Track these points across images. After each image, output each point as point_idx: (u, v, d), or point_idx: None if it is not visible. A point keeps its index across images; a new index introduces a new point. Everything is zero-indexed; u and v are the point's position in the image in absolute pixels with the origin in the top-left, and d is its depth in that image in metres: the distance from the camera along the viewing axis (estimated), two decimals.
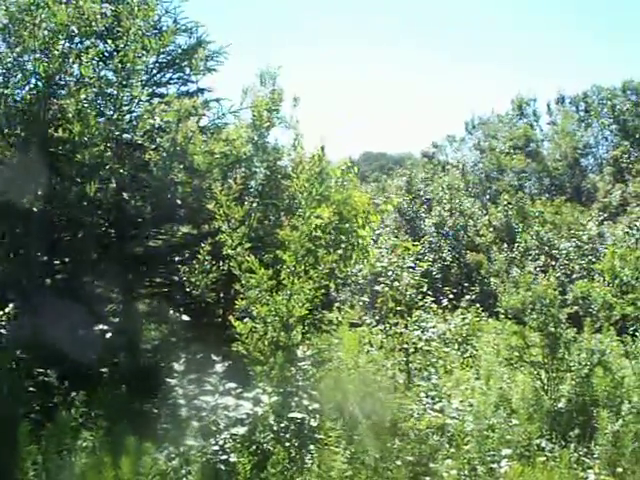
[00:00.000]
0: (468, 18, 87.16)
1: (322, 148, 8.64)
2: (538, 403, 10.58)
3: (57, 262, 10.74)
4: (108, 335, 9.68)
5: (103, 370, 9.48)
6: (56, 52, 9.82)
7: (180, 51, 11.62)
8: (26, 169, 9.64)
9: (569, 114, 53.95)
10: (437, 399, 8.82)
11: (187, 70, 11.63)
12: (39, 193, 9.78)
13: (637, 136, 48.68)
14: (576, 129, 52.46)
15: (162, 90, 11.71)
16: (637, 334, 12.31)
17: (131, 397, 8.57)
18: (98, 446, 7.08)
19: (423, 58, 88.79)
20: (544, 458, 8.53)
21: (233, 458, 6.83)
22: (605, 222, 32.96)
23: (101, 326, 9.76)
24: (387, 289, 10.51)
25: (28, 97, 10.22)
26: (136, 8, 10.25)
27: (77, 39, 10.29)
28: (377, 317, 11.19)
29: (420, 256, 11.99)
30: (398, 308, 10.42)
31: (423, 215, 39.57)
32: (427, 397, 8.85)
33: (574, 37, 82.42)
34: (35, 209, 9.65)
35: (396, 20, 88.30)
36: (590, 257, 28.22)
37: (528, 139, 52.42)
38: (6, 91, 10.02)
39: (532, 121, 56.94)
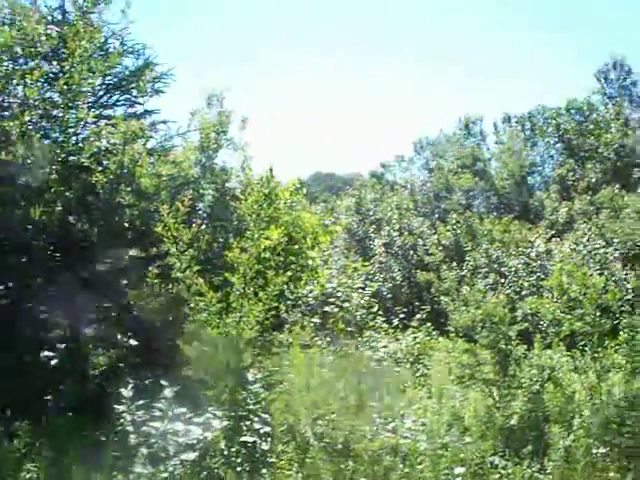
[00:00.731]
0: (415, 38, 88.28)
1: (271, 169, 8.65)
2: (491, 420, 10.61)
3: (1, 287, 10.50)
4: (54, 361, 9.47)
5: (48, 397, 9.27)
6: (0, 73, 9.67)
7: (127, 73, 11.52)
8: None
9: (515, 133, 54.86)
10: (390, 419, 8.81)
11: (134, 92, 11.53)
12: None
13: (581, 154, 49.65)
14: (522, 148, 53.33)
15: (109, 112, 11.58)
16: (586, 349, 12.45)
17: (78, 425, 8.38)
18: (43, 478, 6.90)
19: (371, 78, 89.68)
20: (498, 475, 8.55)
21: None
22: (552, 239, 33.43)
23: (47, 352, 9.55)
24: (337, 310, 10.51)
25: None
26: (82, 30, 10.15)
27: (21, 60, 10.14)
28: (328, 338, 11.17)
29: (370, 276, 12.05)
30: (349, 329, 10.41)
31: (373, 235, 39.73)
32: (380, 417, 8.83)
33: (520, 56, 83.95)
34: None
35: (343, 39, 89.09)
36: (539, 274, 28.56)
37: (475, 158, 53.14)
38: None
39: (479, 140, 57.85)
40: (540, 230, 36.08)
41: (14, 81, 9.87)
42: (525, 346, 11.72)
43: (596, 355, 11.74)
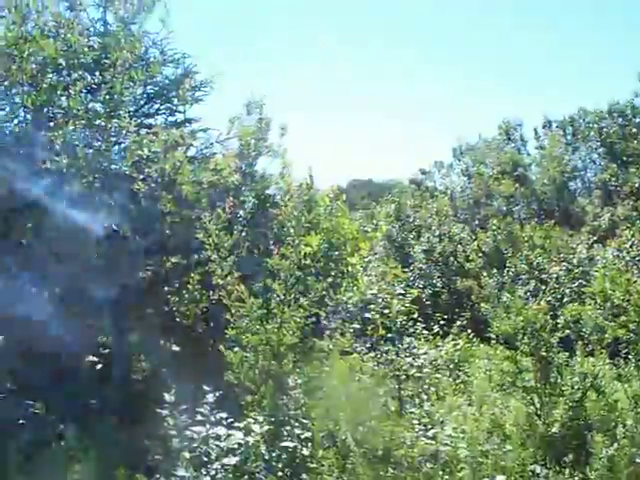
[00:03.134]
0: (455, 42, 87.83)
1: (310, 176, 8.68)
2: (531, 428, 10.53)
3: (47, 293, 10.69)
4: (98, 366, 9.62)
5: (93, 402, 9.41)
6: (44, 85, 9.86)
7: (167, 82, 11.67)
8: (14, 202, 9.63)
9: (556, 138, 54.23)
10: (430, 426, 8.79)
11: (174, 100, 11.67)
12: (28, 225, 9.76)
13: (624, 159, 48.96)
14: (564, 153, 52.71)
15: (150, 121, 11.74)
16: (629, 357, 12.28)
17: (122, 429, 8.50)
18: None
19: (409, 84, 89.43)
20: None
21: None
22: (595, 245, 33.02)
23: (91, 357, 9.70)
24: (377, 316, 10.50)
25: (16, 130, 10.23)
26: (123, 40, 10.31)
27: (65, 72, 10.33)
28: (368, 344, 11.17)
29: (410, 283, 12.00)
30: (389, 335, 10.40)
31: (412, 242, 39.55)
32: (420, 424, 8.81)
33: (560, 60, 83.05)
34: (23, 241, 9.62)
35: (379, 43, 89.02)
36: (580, 280, 28.22)
37: (516, 164, 52.66)
38: None
39: (519, 146, 57.28)
40: (582, 236, 35.68)
41: (58, 92, 10.05)
42: (567, 353, 11.61)
43: None
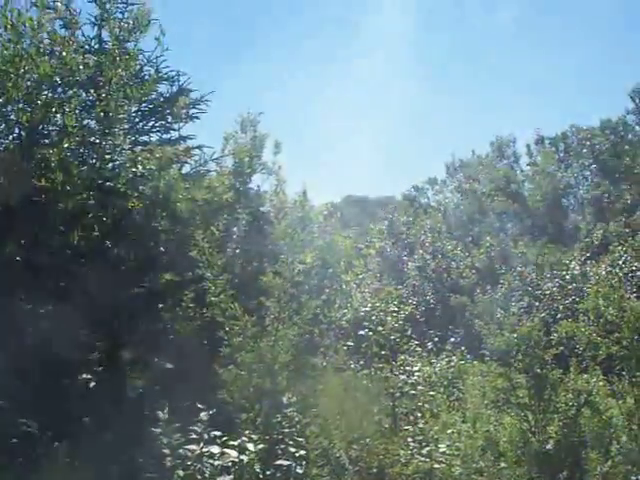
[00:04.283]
0: (445, 62, 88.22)
1: (304, 194, 8.71)
2: (526, 445, 10.54)
3: (41, 310, 10.66)
4: (92, 384, 9.57)
5: (86, 420, 9.36)
6: (39, 102, 9.86)
7: (162, 99, 11.67)
8: (8, 218, 9.62)
9: (549, 155, 54.53)
10: (424, 443, 8.79)
11: (169, 118, 11.66)
12: (22, 242, 9.74)
13: (617, 175, 49.19)
14: (556, 170, 53.00)
15: (144, 138, 11.72)
16: (623, 373, 12.31)
17: (115, 446, 8.46)
18: None
19: (403, 101, 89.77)
20: None
21: None
22: (588, 262, 33.12)
23: (84, 375, 9.66)
24: (371, 333, 10.52)
25: (11, 146, 10.23)
26: (118, 58, 10.33)
27: (60, 89, 10.33)
28: (362, 362, 11.17)
29: (403, 299, 12.01)
30: (383, 352, 10.41)
31: (406, 258, 39.65)
32: (414, 442, 8.82)
33: (552, 77, 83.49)
34: (18, 258, 9.60)
35: (379, 64, 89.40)
36: (574, 297, 28.28)
37: (509, 180, 52.90)
38: None
39: (512, 162, 57.59)
40: (575, 252, 35.78)
41: (53, 109, 10.06)
42: (561, 370, 11.63)
43: (634, 379, 11.61)
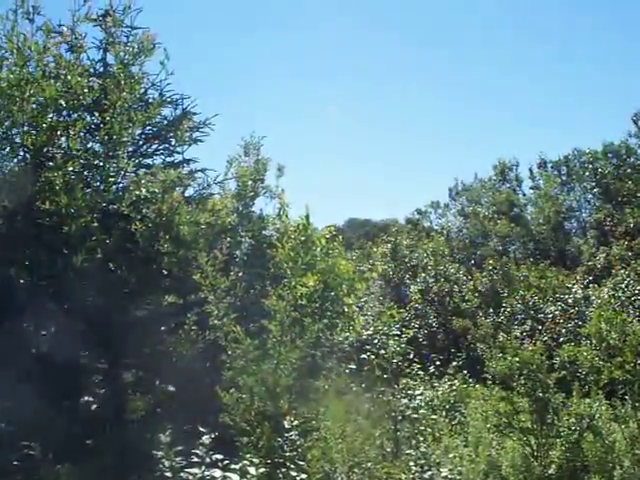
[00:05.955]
0: (448, 86, 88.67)
1: (307, 217, 8.74)
2: (528, 470, 10.51)
3: (43, 332, 10.67)
4: (93, 407, 9.57)
5: (88, 442, 9.35)
6: (44, 125, 9.94)
7: (166, 123, 11.73)
8: (12, 240, 9.66)
9: (551, 178, 54.65)
10: (426, 467, 8.77)
11: (173, 141, 11.73)
12: (25, 264, 9.78)
13: (619, 199, 49.25)
14: (559, 193, 53.10)
15: (148, 161, 11.79)
16: (626, 398, 12.28)
17: (117, 469, 8.45)
18: None
19: (406, 125, 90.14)
20: None
21: None
22: (590, 285, 33.08)
23: (86, 397, 9.66)
24: (373, 357, 10.52)
25: (16, 169, 10.30)
26: (123, 81, 10.41)
27: (65, 112, 10.41)
28: (364, 385, 11.15)
29: (406, 323, 12.02)
30: (385, 376, 10.41)
31: (408, 281, 39.65)
32: (416, 466, 8.80)
33: (554, 101, 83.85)
34: (22, 280, 9.63)
35: (380, 87, 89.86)
36: (576, 321, 28.24)
37: (511, 204, 52.99)
38: None
39: (515, 186, 57.71)
40: (577, 276, 35.76)
41: (58, 133, 10.13)
42: (563, 394, 11.62)
43: (637, 404, 11.59)
